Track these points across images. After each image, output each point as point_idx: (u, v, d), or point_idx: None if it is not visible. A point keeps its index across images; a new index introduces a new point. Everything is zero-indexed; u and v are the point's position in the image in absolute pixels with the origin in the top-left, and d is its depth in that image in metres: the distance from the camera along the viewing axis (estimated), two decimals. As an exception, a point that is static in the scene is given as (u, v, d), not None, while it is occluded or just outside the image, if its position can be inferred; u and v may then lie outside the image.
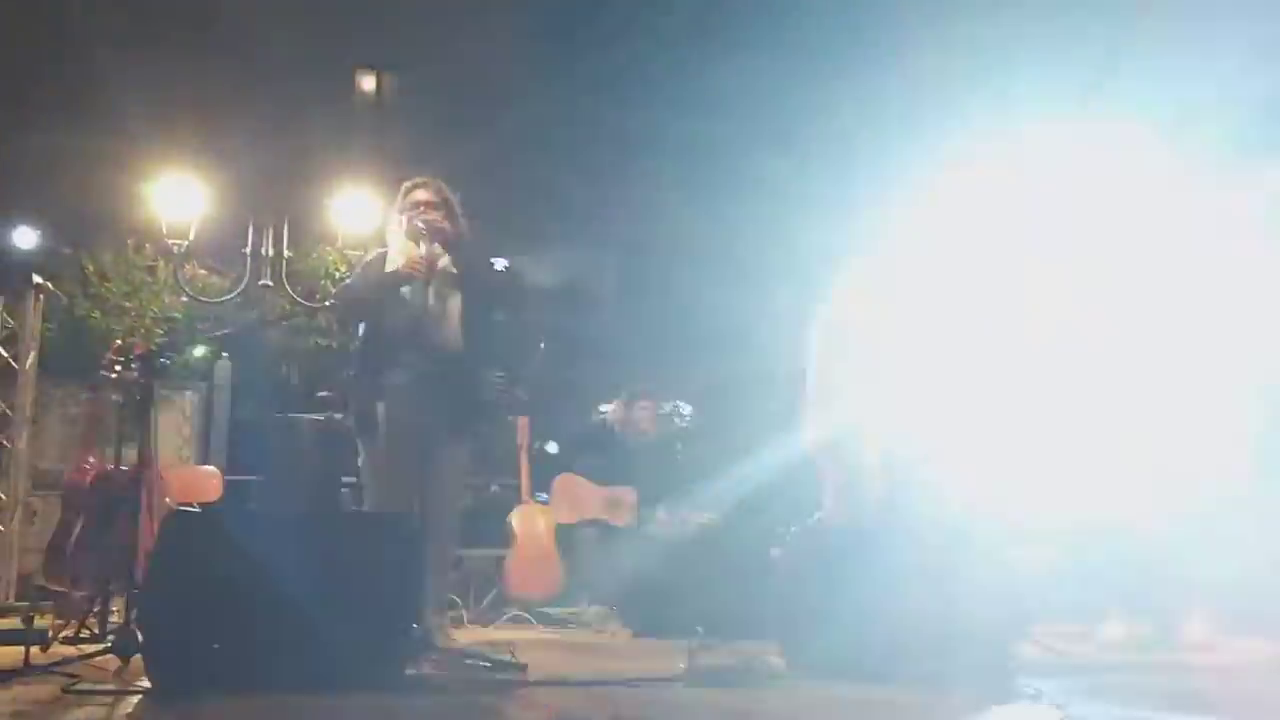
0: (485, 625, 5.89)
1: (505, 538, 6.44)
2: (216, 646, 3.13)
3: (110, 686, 3.17)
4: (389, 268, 4.35)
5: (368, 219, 8.60)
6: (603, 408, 14.00)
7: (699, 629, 3.52)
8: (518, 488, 6.61)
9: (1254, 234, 5.12)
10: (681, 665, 3.34)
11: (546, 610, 6.39)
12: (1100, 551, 5.35)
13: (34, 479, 7.34)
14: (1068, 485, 5.42)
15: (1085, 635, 5.26)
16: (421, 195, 4.36)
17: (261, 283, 8.57)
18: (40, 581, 8.02)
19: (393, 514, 3.98)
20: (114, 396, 4.73)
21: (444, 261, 4.28)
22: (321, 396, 7.24)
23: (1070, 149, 5.78)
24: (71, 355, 9.86)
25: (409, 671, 3.35)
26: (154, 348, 4.64)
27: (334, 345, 10.90)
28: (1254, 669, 4.41)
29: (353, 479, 7.77)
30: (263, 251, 8.57)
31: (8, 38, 10.47)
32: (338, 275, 10.82)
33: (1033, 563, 6.13)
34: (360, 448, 4.32)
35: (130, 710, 2.80)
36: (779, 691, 3.27)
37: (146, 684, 3.12)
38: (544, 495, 6.69)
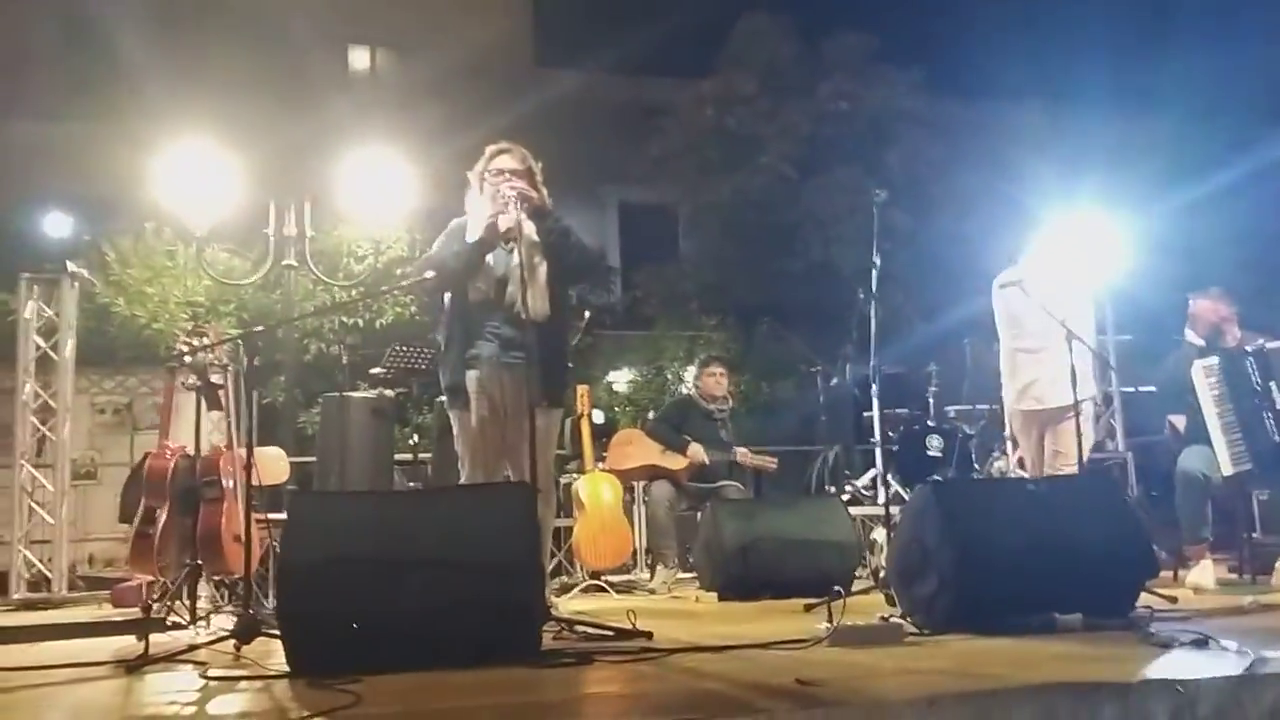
0: (559, 595, 5.85)
1: (570, 507, 6.43)
2: (356, 627, 3.05)
3: (245, 672, 3.09)
4: (470, 236, 4.27)
5: (387, 197, 8.49)
6: (611, 375, 14.00)
7: (838, 589, 3.45)
8: (579, 456, 6.58)
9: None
10: (822, 626, 3.28)
11: (610, 578, 6.38)
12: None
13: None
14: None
15: (1171, 582, 5.25)
16: (506, 162, 4.27)
17: (285, 263, 8.43)
18: (88, 571, 7.99)
19: (511, 484, 3.92)
20: (190, 380, 4.63)
21: (529, 229, 4.20)
22: (374, 374, 7.13)
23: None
24: (95, 343, 9.78)
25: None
26: (237, 331, 4.54)
27: (359, 323, 10.84)
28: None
29: (407, 456, 7.75)
30: (284, 231, 8.42)
31: (20, 22, 10.31)
32: (359, 253, 10.77)
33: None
34: (453, 419, 4.25)
35: (291, 694, 2.72)
36: (931, 647, 3.21)
37: (282, 668, 3.05)
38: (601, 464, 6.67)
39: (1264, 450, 5.13)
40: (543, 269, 4.20)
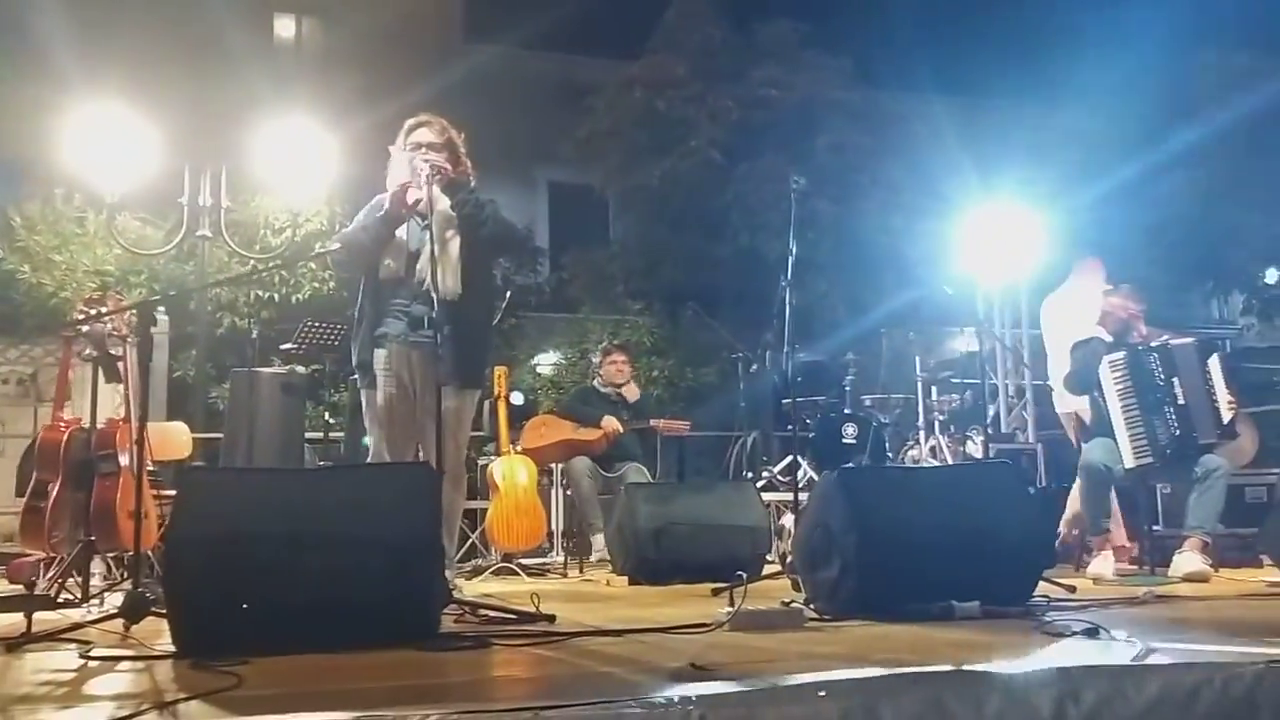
0: (469, 578, 5.78)
1: (485, 489, 6.39)
2: (245, 607, 2.97)
3: (129, 652, 3.00)
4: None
5: (308, 168, 8.31)
6: (537, 357, 13.90)
7: (741, 573, 3.45)
8: (496, 438, 6.52)
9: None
10: (723, 610, 3.27)
11: (524, 561, 6.34)
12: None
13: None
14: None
15: (1073, 571, 5.35)
16: (424, 135, 4.18)
17: (199, 234, 8.21)
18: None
19: (413, 463, 3.85)
20: (87, 350, 4.47)
21: (443, 203, 4.12)
22: (285, 349, 6.99)
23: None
24: (-1, 311, 9.48)
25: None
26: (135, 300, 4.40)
27: (275, 297, 10.61)
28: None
29: (318, 434, 7.62)
30: (200, 201, 8.19)
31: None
32: (277, 225, 10.53)
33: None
34: (363, 398, 4.17)
35: (173, 675, 2.63)
36: (831, 633, 3.22)
37: (168, 648, 2.95)
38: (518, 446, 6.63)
39: (1165, 444, 5.25)
40: (455, 244, 4.12)
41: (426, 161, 4.04)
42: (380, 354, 4.11)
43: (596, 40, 14.82)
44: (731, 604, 3.26)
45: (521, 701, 2.10)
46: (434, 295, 3.94)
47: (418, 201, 4.04)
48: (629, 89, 12.83)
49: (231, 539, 3.02)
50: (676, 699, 2.02)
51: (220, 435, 7.39)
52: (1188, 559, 5.05)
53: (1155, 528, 5.89)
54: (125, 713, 2.07)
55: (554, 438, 6.67)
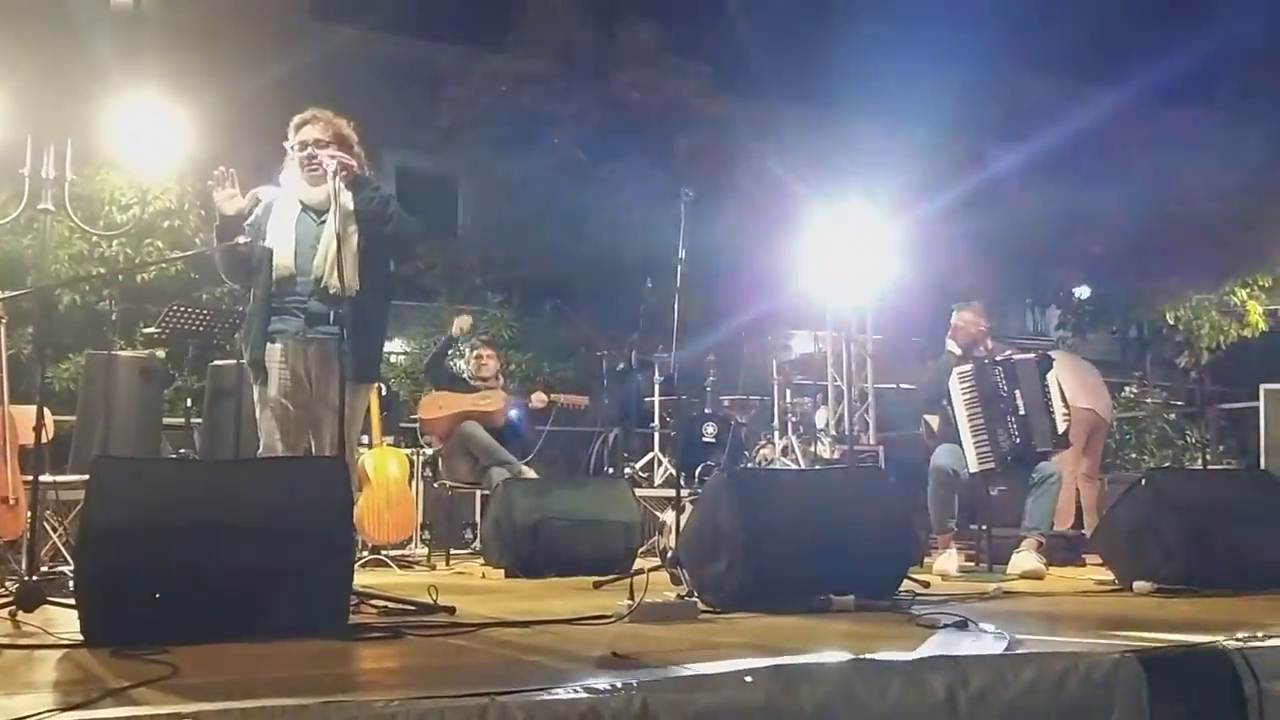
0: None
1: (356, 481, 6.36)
2: (157, 596, 2.99)
3: (34, 641, 2.97)
4: (280, 206, 4.20)
5: (157, 143, 8.04)
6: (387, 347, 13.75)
7: (643, 568, 3.62)
8: (366, 430, 6.51)
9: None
10: (623, 602, 3.44)
11: (389, 554, 6.36)
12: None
13: None
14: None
15: (918, 568, 5.72)
16: (309, 133, 4.19)
17: (40, 207, 7.86)
18: None
19: (324, 458, 3.89)
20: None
21: (345, 199, 4.15)
22: (148, 333, 6.79)
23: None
24: None
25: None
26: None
27: (120, 277, 10.22)
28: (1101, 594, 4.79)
29: (178, 420, 7.42)
30: (42, 173, 7.83)
31: None
32: (123, 201, 10.14)
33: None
34: (255, 392, 4.16)
35: (99, 663, 2.63)
36: (724, 624, 3.43)
37: (76, 636, 2.94)
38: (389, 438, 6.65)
39: (1007, 450, 5.69)
40: (354, 240, 4.16)
41: (333, 159, 4.06)
42: (274, 349, 4.11)
43: (448, 28, 14.73)
44: (631, 597, 3.44)
45: (470, 688, 2.22)
46: (331, 291, 4.00)
47: (235, 199, 4.08)
48: (493, 80, 12.85)
49: (148, 528, 3.03)
50: (619, 685, 2.18)
51: (60, 418, 7.13)
52: (1025, 557, 5.48)
53: (981, 527, 6.31)
54: (77, 700, 2.11)
55: (454, 408, 6.66)
